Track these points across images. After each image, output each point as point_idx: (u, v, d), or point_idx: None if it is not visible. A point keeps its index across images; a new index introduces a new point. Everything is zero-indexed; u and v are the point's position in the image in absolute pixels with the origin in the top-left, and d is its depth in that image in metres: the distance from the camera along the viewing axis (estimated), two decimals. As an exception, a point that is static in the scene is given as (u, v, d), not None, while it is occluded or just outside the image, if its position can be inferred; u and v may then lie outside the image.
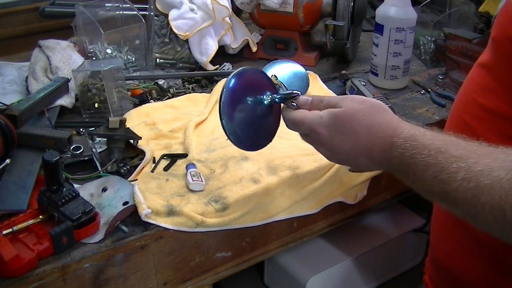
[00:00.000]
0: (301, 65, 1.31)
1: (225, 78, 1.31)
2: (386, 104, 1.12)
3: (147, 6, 1.41)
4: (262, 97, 0.83)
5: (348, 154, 0.75)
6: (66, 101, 1.17)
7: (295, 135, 1.11)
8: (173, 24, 1.34)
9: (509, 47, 0.74)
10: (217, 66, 1.39)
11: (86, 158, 1.02)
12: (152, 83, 1.28)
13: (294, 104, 0.80)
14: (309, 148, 1.06)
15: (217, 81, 1.31)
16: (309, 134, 0.78)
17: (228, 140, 0.83)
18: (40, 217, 0.84)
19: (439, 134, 0.68)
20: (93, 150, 1.02)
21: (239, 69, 0.84)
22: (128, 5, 1.38)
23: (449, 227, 0.88)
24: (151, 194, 0.91)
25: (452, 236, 0.87)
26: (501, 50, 0.76)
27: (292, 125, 0.80)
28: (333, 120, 0.75)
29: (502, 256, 0.80)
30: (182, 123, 1.13)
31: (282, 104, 0.83)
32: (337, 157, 0.78)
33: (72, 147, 1.02)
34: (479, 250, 0.83)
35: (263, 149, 1.05)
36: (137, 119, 1.13)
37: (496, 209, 0.58)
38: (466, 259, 0.85)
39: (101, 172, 0.97)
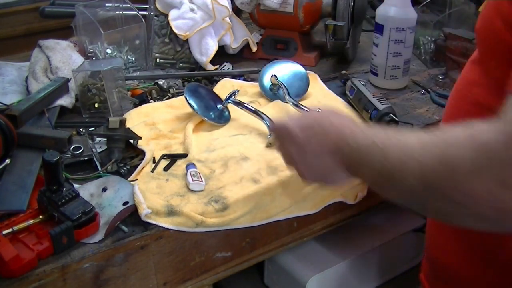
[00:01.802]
0: (301, 65, 1.32)
1: (226, 78, 1.31)
2: (386, 104, 1.13)
3: (147, 6, 1.41)
4: None
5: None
6: (66, 101, 1.17)
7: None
8: (173, 24, 1.34)
9: (493, 38, 0.74)
10: (217, 66, 1.39)
11: (86, 158, 1.02)
12: (152, 83, 1.28)
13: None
14: (309, 148, 1.07)
15: (217, 81, 1.31)
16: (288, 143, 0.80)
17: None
18: (40, 217, 0.84)
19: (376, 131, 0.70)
20: (93, 150, 1.02)
21: None
22: (128, 5, 1.38)
23: (442, 224, 0.88)
24: (151, 194, 0.91)
25: (444, 232, 0.88)
26: (485, 42, 0.78)
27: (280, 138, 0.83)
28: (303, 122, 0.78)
29: (493, 253, 0.81)
30: (182, 123, 1.13)
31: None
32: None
33: (72, 147, 1.02)
34: (471, 247, 0.84)
35: (263, 149, 1.05)
36: (137, 119, 1.13)
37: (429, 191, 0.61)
38: (459, 256, 0.86)
39: (101, 172, 0.97)
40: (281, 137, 0.82)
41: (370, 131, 0.70)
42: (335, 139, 0.72)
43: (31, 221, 0.83)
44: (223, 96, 1.19)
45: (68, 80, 1.18)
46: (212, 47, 1.36)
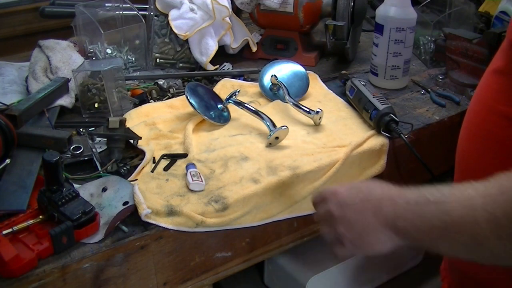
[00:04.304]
0: (301, 65, 1.32)
1: (226, 78, 1.31)
2: (386, 104, 1.13)
3: (147, 6, 1.41)
4: None
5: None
6: (66, 101, 1.17)
7: (295, 135, 1.11)
8: (173, 24, 1.34)
9: None
10: (217, 66, 1.39)
11: (86, 158, 1.02)
12: (152, 83, 1.28)
13: None
14: (309, 148, 1.07)
15: (217, 81, 1.31)
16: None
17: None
18: (40, 217, 0.84)
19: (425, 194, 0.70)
20: (93, 150, 1.02)
21: None
22: (128, 5, 1.38)
23: None
24: (151, 194, 0.91)
25: None
26: None
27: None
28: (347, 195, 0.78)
29: None
30: (182, 123, 1.13)
31: None
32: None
33: (72, 147, 1.02)
34: None
35: (263, 149, 1.06)
36: (137, 119, 1.13)
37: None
38: (489, 267, 0.84)
39: (101, 172, 0.97)
40: (323, 198, 0.81)
41: (416, 190, 0.71)
42: (380, 196, 0.74)
43: (31, 221, 0.83)
44: (223, 96, 1.20)
45: (68, 80, 1.18)
46: (212, 47, 1.36)
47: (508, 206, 0.61)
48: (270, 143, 1.06)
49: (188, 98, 1.12)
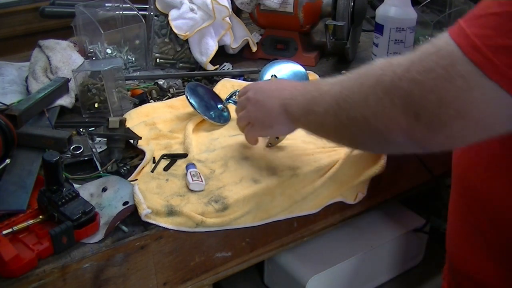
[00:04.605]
0: (301, 65, 1.32)
1: (226, 78, 1.31)
2: None
3: (147, 6, 1.41)
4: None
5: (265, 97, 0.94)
6: (66, 101, 1.17)
7: (295, 135, 1.11)
8: (173, 24, 1.34)
9: None
10: (217, 66, 1.39)
11: (86, 158, 1.02)
12: (152, 83, 1.28)
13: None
14: (309, 148, 1.07)
15: (217, 81, 1.31)
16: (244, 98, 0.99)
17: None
18: (40, 217, 0.84)
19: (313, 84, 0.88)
20: (93, 150, 1.02)
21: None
22: (128, 5, 1.38)
23: (465, 233, 0.87)
24: (151, 194, 0.91)
25: (468, 241, 0.87)
26: None
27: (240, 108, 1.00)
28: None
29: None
30: (182, 123, 1.13)
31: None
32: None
33: (72, 147, 1.02)
34: (496, 255, 0.82)
35: (263, 149, 1.05)
36: (137, 119, 1.13)
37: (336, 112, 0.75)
38: (484, 264, 0.84)
39: (101, 172, 0.97)
40: (246, 89, 0.99)
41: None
42: (287, 85, 0.92)
43: (31, 221, 0.83)
44: (223, 96, 1.19)
45: (68, 80, 1.18)
46: (212, 47, 1.36)
47: (351, 86, 0.73)
48: (270, 143, 1.06)
49: (188, 98, 1.12)
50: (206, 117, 1.12)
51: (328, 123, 0.78)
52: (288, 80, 1.02)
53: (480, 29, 0.60)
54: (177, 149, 1.06)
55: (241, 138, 1.10)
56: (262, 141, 1.08)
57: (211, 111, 1.15)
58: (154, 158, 1.02)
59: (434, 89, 0.61)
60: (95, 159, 1.00)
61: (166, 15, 1.36)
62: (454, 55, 0.61)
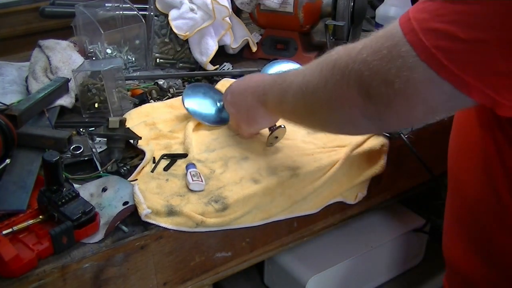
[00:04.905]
0: (301, 65, 1.31)
1: (226, 78, 1.31)
2: None
3: (147, 6, 1.41)
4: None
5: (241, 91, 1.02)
6: (66, 101, 1.17)
7: (295, 135, 1.11)
8: (173, 24, 1.34)
9: None
10: (217, 66, 1.39)
11: (86, 158, 1.02)
12: (152, 83, 1.28)
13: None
14: (309, 148, 1.07)
15: (217, 81, 1.31)
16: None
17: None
18: (40, 217, 0.84)
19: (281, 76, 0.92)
20: (93, 150, 1.02)
21: None
22: (128, 5, 1.38)
23: (451, 223, 0.89)
24: (151, 194, 0.91)
25: (453, 232, 0.89)
26: None
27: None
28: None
29: (496, 255, 0.81)
30: (182, 123, 1.13)
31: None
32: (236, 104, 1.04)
33: (72, 147, 1.02)
34: (473, 247, 0.84)
35: (263, 149, 1.06)
36: (137, 119, 1.13)
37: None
38: (464, 254, 0.86)
39: (101, 172, 0.97)
40: (225, 93, 1.08)
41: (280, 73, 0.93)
42: (256, 81, 0.98)
43: (31, 221, 0.83)
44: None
45: (68, 80, 1.18)
46: (212, 47, 1.36)
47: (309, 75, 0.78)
48: (270, 143, 1.06)
49: (185, 104, 1.13)
50: (205, 122, 1.12)
51: (298, 110, 0.84)
52: (257, 75, 1.05)
53: (419, 13, 0.64)
54: (177, 149, 1.06)
55: (241, 138, 1.10)
56: (262, 142, 1.08)
57: (211, 113, 1.15)
58: (154, 158, 1.02)
59: (379, 69, 0.65)
60: (95, 159, 1.00)
61: (166, 15, 1.36)
62: (397, 36, 0.65)
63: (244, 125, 1.04)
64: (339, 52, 0.73)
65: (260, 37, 1.54)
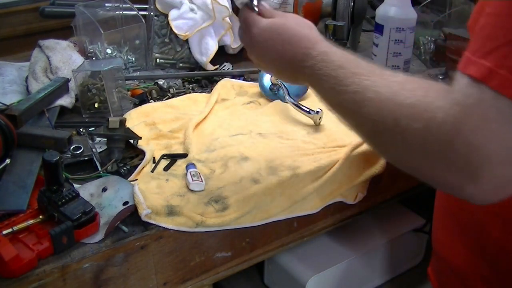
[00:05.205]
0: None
1: (226, 78, 1.31)
2: None
3: (147, 6, 1.41)
4: None
5: (273, 60, 0.82)
6: (66, 101, 1.17)
7: (295, 135, 1.11)
8: (173, 24, 1.34)
9: None
10: (217, 66, 1.39)
11: (86, 158, 1.02)
12: (152, 83, 1.28)
13: (256, 9, 0.85)
14: (309, 148, 1.07)
15: (217, 81, 1.31)
16: (245, 33, 0.85)
17: None
18: (40, 217, 0.84)
19: (348, 54, 0.73)
20: (93, 150, 1.02)
21: None
22: (128, 5, 1.38)
23: (441, 216, 0.90)
24: (151, 194, 0.91)
25: (443, 224, 0.90)
26: None
27: (242, 23, 0.86)
28: (268, 26, 0.81)
29: (483, 245, 0.81)
30: (182, 123, 1.13)
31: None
32: (264, 62, 0.85)
33: (72, 147, 1.02)
34: (463, 238, 0.85)
35: (263, 149, 1.05)
36: (137, 119, 1.13)
37: (371, 121, 0.65)
38: (454, 246, 0.87)
39: (101, 172, 0.97)
40: (245, 28, 0.85)
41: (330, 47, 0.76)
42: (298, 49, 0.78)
43: (31, 221, 0.83)
44: (224, 96, 1.20)
45: (68, 80, 1.18)
46: (212, 47, 1.36)
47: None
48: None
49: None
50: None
51: (368, 129, 0.68)
52: (298, 29, 0.80)
53: (507, 60, 0.55)
54: (177, 149, 1.06)
55: (241, 138, 1.10)
56: (262, 141, 1.08)
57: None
58: (154, 158, 1.02)
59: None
60: (95, 159, 1.00)
61: (166, 15, 1.36)
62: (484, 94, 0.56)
63: (262, 67, 0.88)
64: (435, 109, 0.59)
65: (260, 37, 1.54)
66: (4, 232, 0.80)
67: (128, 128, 1.05)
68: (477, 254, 0.84)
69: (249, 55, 0.87)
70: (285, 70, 0.81)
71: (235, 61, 1.44)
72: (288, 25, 0.80)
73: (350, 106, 0.68)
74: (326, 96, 0.74)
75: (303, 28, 0.79)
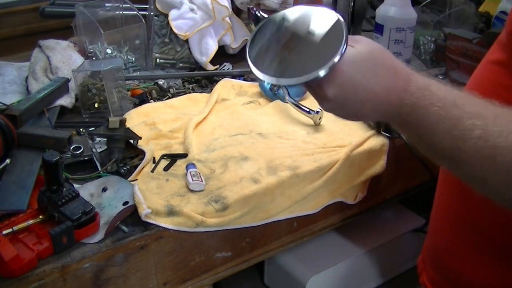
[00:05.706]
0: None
1: (226, 78, 1.31)
2: None
3: (147, 6, 1.41)
4: None
5: (361, 96, 0.67)
6: (66, 101, 1.17)
7: (295, 135, 1.11)
8: (173, 24, 1.34)
9: None
10: (217, 66, 1.39)
11: (86, 158, 1.02)
12: (152, 83, 1.28)
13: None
14: (309, 148, 1.07)
15: (217, 81, 1.31)
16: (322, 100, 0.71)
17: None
18: (40, 217, 0.84)
19: (453, 88, 0.64)
20: (93, 150, 1.02)
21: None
22: (128, 5, 1.38)
23: (449, 224, 0.88)
24: (151, 194, 0.91)
25: (452, 232, 0.87)
26: None
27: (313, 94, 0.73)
28: (359, 55, 0.68)
29: (509, 248, 0.78)
30: (182, 123, 1.13)
31: None
32: (346, 102, 0.68)
33: (72, 147, 1.02)
34: (483, 244, 0.81)
35: (263, 149, 1.05)
36: (137, 119, 1.13)
37: (504, 171, 0.57)
38: (469, 255, 0.85)
39: (101, 172, 0.97)
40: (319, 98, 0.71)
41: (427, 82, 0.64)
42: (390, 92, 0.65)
43: (31, 221, 0.83)
44: (224, 96, 1.19)
45: (68, 80, 1.18)
46: (212, 47, 1.36)
47: None
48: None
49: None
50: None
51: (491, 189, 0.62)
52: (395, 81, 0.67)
53: None
54: (177, 149, 1.06)
55: (241, 138, 1.10)
56: (262, 141, 1.08)
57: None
58: (154, 158, 1.02)
59: None
60: (95, 159, 1.00)
61: (166, 15, 1.36)
62: None
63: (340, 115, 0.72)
64: None
65: (260, 37, 1.54)
66: (4, 232, 0.80)
67: (128, 128, 1.05)
68: (499, 259, 0.80)
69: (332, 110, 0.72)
70: (368, 107, 0.67)
71: (235, 61, 1.44)
72: (378, 54, 0.69)
73: (477, 154, 0.59)
74: (433, 139, 0.63)
75: (394, 58, 0.68)
